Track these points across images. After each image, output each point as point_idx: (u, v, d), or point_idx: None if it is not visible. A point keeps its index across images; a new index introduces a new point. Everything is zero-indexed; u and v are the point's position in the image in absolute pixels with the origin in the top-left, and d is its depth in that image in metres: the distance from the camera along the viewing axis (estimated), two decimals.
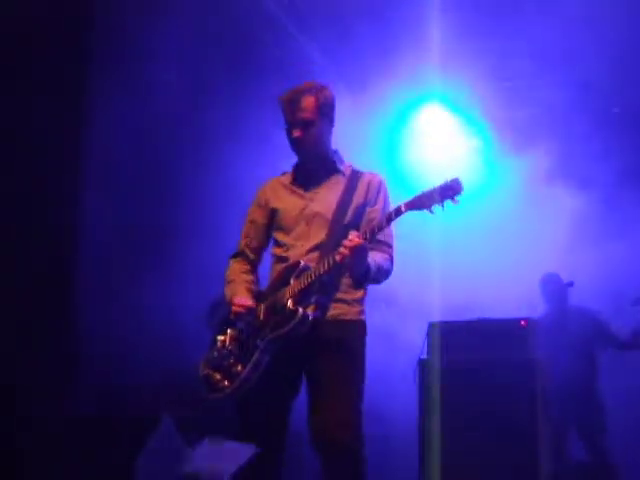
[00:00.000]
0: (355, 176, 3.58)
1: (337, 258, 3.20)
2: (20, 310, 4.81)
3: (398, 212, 3.18)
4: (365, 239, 3.20)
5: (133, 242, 5.37)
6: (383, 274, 3.46)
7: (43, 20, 4.69)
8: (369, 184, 3.56)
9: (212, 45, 5.83)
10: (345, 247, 3.18)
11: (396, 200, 3.32)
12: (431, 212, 3.11)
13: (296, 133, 3.49)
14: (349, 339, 3.42)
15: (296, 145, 3.53)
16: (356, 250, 3.18)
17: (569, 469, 5.93)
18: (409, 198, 3.16)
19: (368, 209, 3.52)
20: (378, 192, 3.56)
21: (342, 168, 3.61)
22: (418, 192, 3.15)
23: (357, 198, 3.51)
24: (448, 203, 3.07)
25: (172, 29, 5.27)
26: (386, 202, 3.57)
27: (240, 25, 6.06)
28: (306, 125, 3.48)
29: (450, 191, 3.06)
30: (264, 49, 6.11)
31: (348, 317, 3.45)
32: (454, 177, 3.08)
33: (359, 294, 3.52)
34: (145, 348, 5.18)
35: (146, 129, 5.26)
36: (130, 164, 5.24)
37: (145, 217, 5.40)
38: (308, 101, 3.48)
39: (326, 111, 3.53)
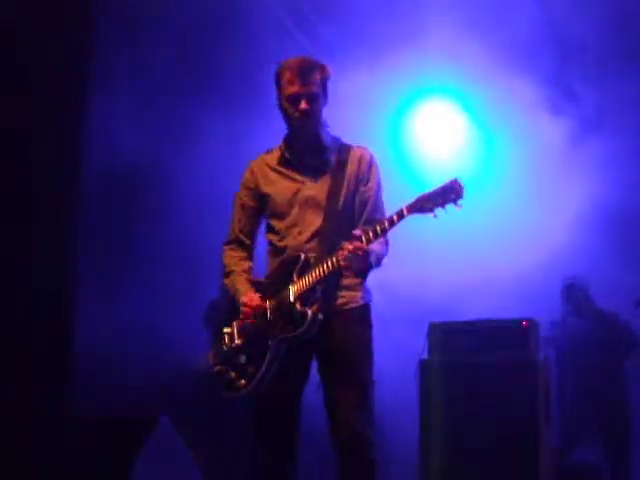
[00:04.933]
0: (344, 151, 3.55)
1: (339, 263, 3.21)
2: (20, 309, 4.82)
3: (400, 216, 3.17)
4: (366, 244, 3.19)
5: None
6: (382, 260, 3.46)
7: None
8: (360, 159, 3.53)
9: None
10: (346, 255, 3.18)
11: (399, 195, 3.30)
12: (434, 216, 3.10)
13: (305, 105, 3.45)
14: (357, 327, 3.44)
15: (304, 117, 3.47)
16: (357, 256, 3.19)
17: (573, 469, 5.93)
18: (410, 201, 3.14)
19: (361, 188, 3.50)
20: (370, 168, 3.54)
21: (331, 145, 3.57)
22: (418, 194, 3.13)
23: (349, 176, 3.49)
24: (451, 207, 3.05)
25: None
26: (378, 178, 3.56)
27: (240, 17, 6.07)
28: (314, 99, 3.47)
29: (451, 193, 3.04)
30: (261, 42, 6.10)
31: (353, 305, 3.45)
32: (453, 178, 3.06)
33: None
34: (144, 348, 5.18)
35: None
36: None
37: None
38: (316, 75, 3.47)
39: (325, 89, 3.54)
